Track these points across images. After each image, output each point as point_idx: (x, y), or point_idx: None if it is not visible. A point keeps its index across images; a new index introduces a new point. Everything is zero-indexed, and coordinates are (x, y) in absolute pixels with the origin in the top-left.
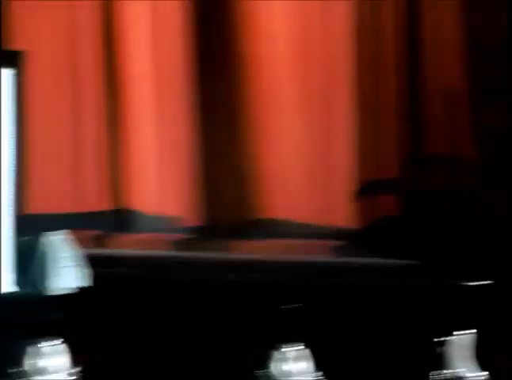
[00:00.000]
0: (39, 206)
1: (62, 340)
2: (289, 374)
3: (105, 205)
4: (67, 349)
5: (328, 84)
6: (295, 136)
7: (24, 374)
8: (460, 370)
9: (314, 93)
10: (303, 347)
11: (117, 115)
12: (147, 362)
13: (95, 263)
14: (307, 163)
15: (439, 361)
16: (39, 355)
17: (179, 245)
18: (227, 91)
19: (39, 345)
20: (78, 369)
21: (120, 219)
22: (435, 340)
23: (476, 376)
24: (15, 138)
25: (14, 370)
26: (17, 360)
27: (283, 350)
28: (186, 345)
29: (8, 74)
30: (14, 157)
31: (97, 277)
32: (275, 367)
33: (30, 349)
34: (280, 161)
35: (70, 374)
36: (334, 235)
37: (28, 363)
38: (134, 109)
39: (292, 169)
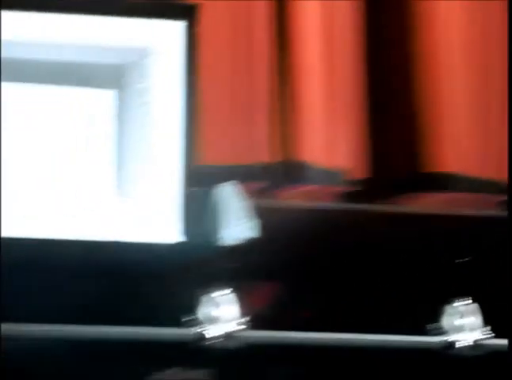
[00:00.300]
0: (210, 157)
1: (232, 289)
2: (460, 328)
3: (274, 156)
4: (237, 299)
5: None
6: (468, 88)
7: (197, 322)
8: None
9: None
10: (471, 301)
11: (288, 66)
12: (316, 312)
13: (264, 214)
14: (480, 116)
15: None
16: (211, 304)
17: (347, 197)
18: (397, 41)
19: (211, 295)
20: (247, 318)
21: (289, 171)
22: None
23: None
24: (187, 89)
25: (187, 318)
26: (190, 309)
27: (454, 304)
28: (357, 296)
29: (181, 26)
30: (186, 109)
31: (265, 228)
32: (446, 321)
33: (202, 298)
34: (453, 114)
35: (240, 324)
36: (502, 189)
37: (200, 312)
38: (304, 61)
39: (463, 122)
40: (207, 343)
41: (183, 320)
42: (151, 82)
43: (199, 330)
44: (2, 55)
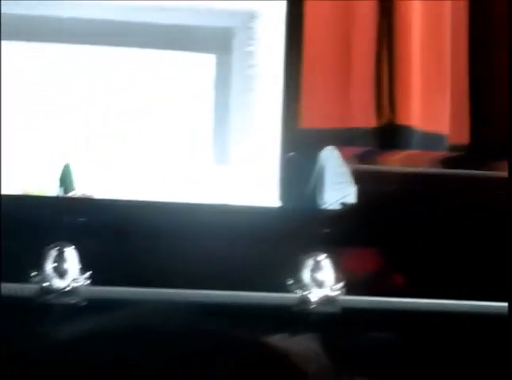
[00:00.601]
0: (311, 121)
1: (329, 254)
2: None
3: (376, 121)
4: (334, 264)
5: None
6: None
7: (296, 287)
8: None
9: None
10: None
11: (392, 30)
12: (413, 278)
13: (364, 179)
14: None
15: None
16: (309, 269)
17: (449, 162)
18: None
19: (308, 260)
20: (341, 284)
21: (391, 135)
22: None
23: None
24: (290, 52)
25: (289, 282)
26: (289, 274)
27: None
28: (454, 263)
29: None
30: (289, 72)
31: (364, 193)
32: None
33: (300, 263)
34: None
35: (337, 289)
36: None
37: (299, 277)
38: (408, 24)
39: None
40: (310, 307)
41: (287, 283)
42: (257, 46)
43: (302, 294)
44: (107, 18)
